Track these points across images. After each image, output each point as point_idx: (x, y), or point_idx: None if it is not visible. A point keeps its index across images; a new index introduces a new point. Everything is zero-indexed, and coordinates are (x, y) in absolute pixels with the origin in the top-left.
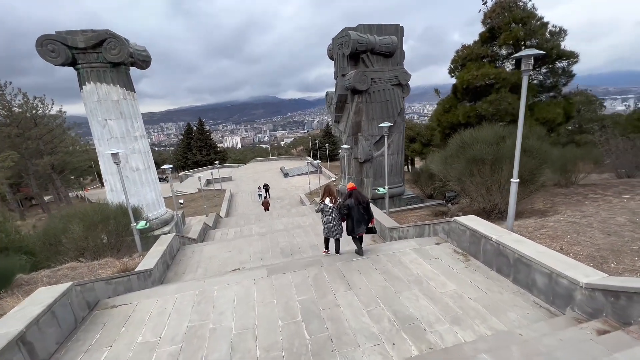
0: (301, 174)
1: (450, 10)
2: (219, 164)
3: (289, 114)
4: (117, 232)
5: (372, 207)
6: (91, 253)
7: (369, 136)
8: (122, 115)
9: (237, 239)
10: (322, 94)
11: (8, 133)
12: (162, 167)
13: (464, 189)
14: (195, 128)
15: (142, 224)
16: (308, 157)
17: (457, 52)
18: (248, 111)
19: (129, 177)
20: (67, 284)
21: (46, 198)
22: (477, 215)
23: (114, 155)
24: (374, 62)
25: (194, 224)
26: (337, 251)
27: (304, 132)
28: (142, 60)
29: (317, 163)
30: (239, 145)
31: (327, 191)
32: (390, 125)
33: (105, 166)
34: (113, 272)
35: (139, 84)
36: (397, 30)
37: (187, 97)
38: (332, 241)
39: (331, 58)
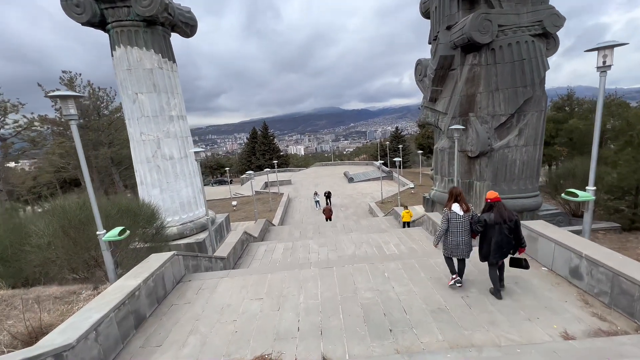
0: (368, 180)
1: None
2: (277, 165)
3: (352, 124)
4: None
5: (544, 225)
6: (60, 271)
7: (487, 117)
8: (155, 88)
9: (281, 270)
10: (386, 104)
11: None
12: (196, 152)
13: None
14: (260, 132)
15: (112, 233)
16: (375, 162)
17: None
18: (312, 122)
19: (160, 167)
20: None
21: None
22: None
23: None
24: (503, 1)
25: (230, 235)
26: (460, 276)
27: (366, 142)
28: (185, 23)
29: (398, 161)
30: (302, 154)
31: (456, 194)
32: (527, 98)
33: (135, 152)
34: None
35: (218, 99)
36: None
37: (258, 110)
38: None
39: (425, 15)
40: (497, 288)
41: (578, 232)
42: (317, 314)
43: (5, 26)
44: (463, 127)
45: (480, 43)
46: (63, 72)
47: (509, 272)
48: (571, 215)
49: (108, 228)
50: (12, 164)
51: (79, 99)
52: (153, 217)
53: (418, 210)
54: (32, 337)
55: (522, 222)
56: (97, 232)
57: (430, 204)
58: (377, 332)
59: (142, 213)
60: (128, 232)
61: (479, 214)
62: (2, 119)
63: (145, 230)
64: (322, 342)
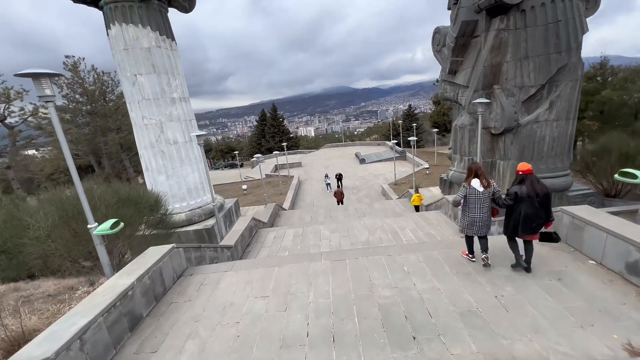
0: (380, 160)
1: None
2: (287, 147)
3: (362, 103)
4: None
5: (592, 212)
6: (62, 262)
7: (514, 89)
8: (154, 68)
9: (289, 263)
10: (398, 82)
11: (80, 110)
12: (196, 133)
13: None
14: (269, 114)
15: (104, 226)
16: (388, 142)
17: None
18: (321, 102)
19: (165, 152)
20: None
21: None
22: None
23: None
24: None
25: (239, 221)
26: (485, 249)
27: (378, 121)
28: None
29: (412, 141)
30: (312, 135)
31: (475, 170)
32: (561, 66)
33: (139, 137)
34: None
35: (226, 82)
36: None
37: (267, 92)
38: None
39: None
40: (519, 261)
41: (617, 215)
42: (328, 315)
43: (17, 15)
44: (488, 101)
45: (508, 4)
46: (66, 57)
47: (549, 265)
48: (604, 195)
49: (108, 218)
50: (32, 152)
51: (54, 77)
52: (156, 205)
53: (434, 192)
54: (15, 345)
55: (564, 207)
56: (88, 226)
57: (447, 185)
58: (398, 339)
59: (144, 202)
60: (122, 224)
61: (500, 191)
62: (6, 106)
63: (149, 219)
64: (334, 351)
